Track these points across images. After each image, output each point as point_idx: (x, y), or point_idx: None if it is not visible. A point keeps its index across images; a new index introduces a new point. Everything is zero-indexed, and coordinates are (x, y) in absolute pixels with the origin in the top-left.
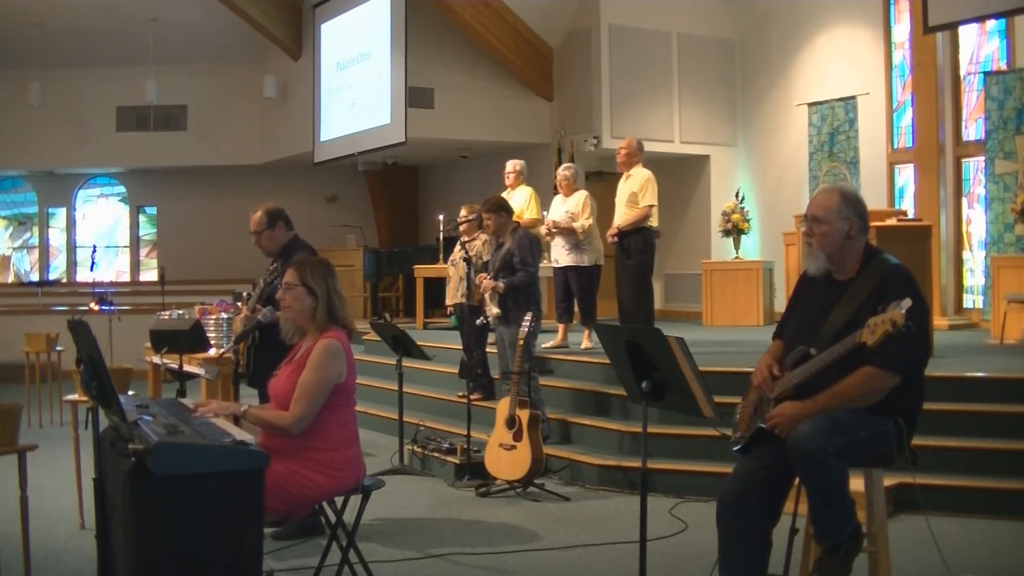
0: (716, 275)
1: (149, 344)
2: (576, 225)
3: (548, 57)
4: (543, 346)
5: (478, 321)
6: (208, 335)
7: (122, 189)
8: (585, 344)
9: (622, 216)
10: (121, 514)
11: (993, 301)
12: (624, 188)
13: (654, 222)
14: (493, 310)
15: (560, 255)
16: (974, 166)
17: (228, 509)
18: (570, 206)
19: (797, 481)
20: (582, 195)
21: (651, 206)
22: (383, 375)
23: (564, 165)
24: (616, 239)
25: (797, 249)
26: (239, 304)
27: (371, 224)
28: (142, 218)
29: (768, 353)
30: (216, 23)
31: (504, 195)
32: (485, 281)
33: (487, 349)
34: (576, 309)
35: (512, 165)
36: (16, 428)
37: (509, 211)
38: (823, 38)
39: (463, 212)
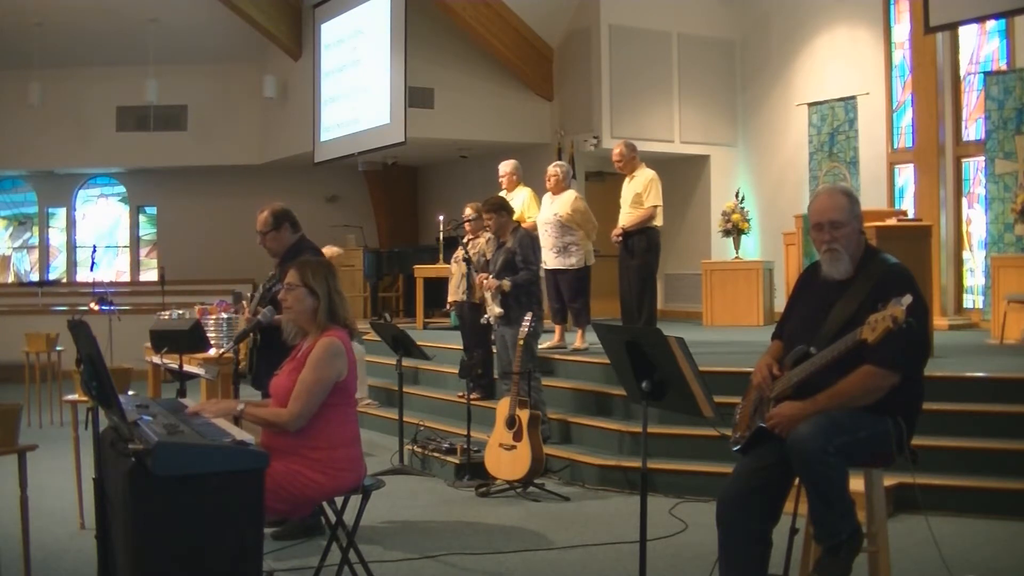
0: (716, 275)
1: (149, 344)
2: (580, 233)
3: (548, 57)
4: (541, 346)
5: (482, 320)
6: (208, 335)
7: (122, 189)
8: (578, 345)
9: (627, 216)
10: (121, 514)
11: (993, 301)
12: (628, 189)
13: (659, 222)
14: (495, 310)
15: (548, 257)
16: (974, 166)
17: (228, 509)
18: (558, 207)
19: (797, 481)
20: (570, 195)
21: (655, 206)
22: (383, 375)
23: (556, 163)
24: (620, 239)
25: (797, 249)
26: (243, 303)
27: (371, 224)
28: (142, 218)
29: (768, 353)
30: (216, 23)
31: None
32: (487, 280)
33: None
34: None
35: (505, 167)
36: (16, 428)
37: (510, 211)
38: (823, 38)
39: (467, 211)
